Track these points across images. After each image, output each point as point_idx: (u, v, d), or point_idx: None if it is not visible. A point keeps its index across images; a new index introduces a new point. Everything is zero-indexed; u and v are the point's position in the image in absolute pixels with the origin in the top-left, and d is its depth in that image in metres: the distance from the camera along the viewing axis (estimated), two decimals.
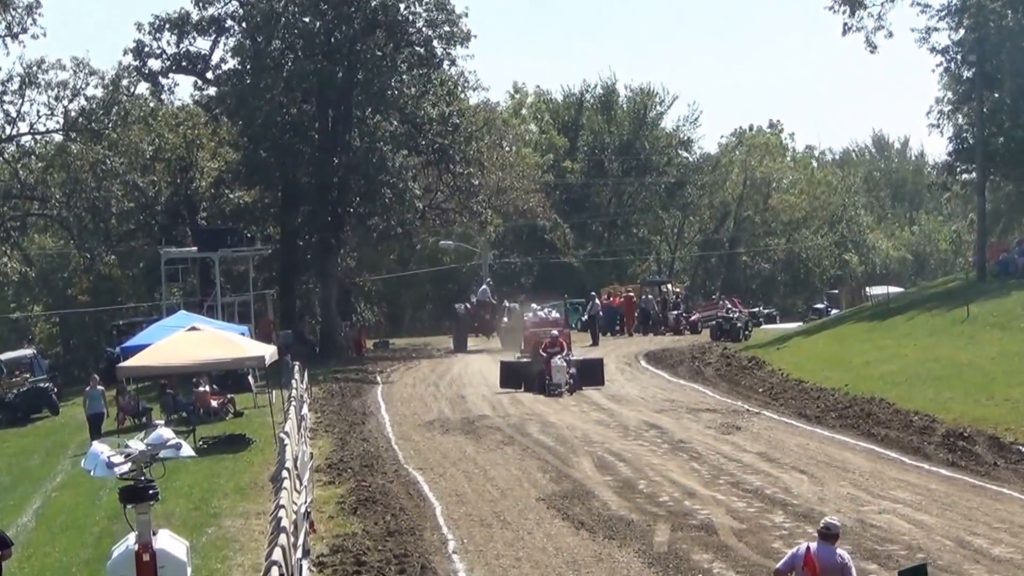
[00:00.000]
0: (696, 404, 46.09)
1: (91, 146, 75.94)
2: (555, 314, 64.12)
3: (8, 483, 41.64)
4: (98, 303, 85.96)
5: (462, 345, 70.17)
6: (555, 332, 53.51)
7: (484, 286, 72.98)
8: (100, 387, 45.95)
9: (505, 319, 69.89)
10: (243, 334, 54.15)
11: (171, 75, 78.19)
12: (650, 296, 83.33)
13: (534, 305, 65.14)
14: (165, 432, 24.37)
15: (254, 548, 27.88)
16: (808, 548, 16.92)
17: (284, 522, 24.71)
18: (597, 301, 78.45)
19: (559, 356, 50.89)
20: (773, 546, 25.76)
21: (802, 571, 16.88)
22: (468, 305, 71.25)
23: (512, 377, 51.98)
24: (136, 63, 76.77)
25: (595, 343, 70.57)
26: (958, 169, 77.31)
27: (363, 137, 73.50)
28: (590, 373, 51.97)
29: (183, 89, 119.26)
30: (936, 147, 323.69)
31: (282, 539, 23.18)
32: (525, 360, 53.87)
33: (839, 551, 17.03)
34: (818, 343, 63.70)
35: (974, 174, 73.01)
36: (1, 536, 26.69)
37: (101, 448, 24.11)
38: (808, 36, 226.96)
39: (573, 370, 51.28)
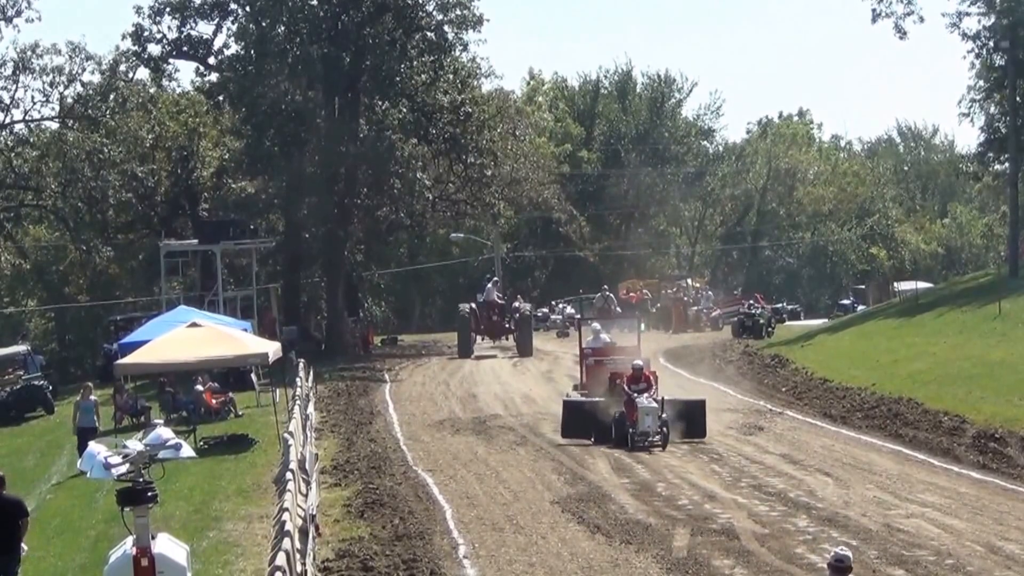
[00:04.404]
0: (717, 404, 45.94)
1: (88, 134, 76.07)
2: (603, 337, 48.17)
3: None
4: (95, 297, 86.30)
5: (467, 351, 66.62)
6: (638, 362, 40.33)
7: (490, 285, 72.14)
8: (93, 398, 43.71)
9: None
10: (246, 330, 54.28)
11: (172, 60, 78.87)
12: (669, 291, 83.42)
13: (595, 325, 49.42)
14: (164, 432, 24.44)
15: (257, 553, 27.93)
16: None
17: (288, 526, 24.79)
18: (610, 295, 78.49)
19: (646, 395, 38.50)
20: (796, 551, 25.78)
21: None
22: (473, 306, 68.97)
23: (578, 422, 39.94)
24: (135, 48, 77.01)
25: None
26: (990, 159, 77.36)
27: (371, 125, 73.61)
28: (689, 419, 39.83)
29: (184, 75, 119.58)
30: (967, 137, 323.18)
31: (286, 543, 23.25)
32: (597, 400, 40.60)
33: None
34: (844, 340, 63.75)
35: (1007, 164, 73.00)
36: (18, 503, 27.05)
37: (98, 448, 24.18)
38: (836, 22, 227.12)
39: (664, 415, 38.44)
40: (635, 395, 38.27)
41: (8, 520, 26.55)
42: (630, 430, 37.67)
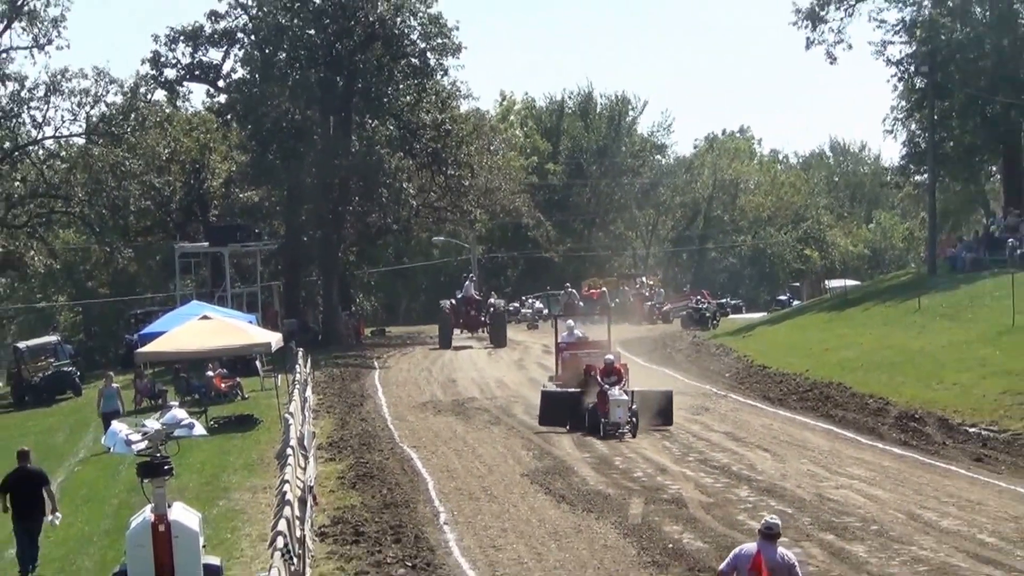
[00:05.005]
0: (668, 388, 46.10)
1: (111, 149, 75.80)
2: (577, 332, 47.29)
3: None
4: (117, 294, 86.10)
5: (447, 342, 66.18)
6: (610, 357, 39.04)
7: (468, 282, 72.20)
8: (115, 385, 43.92)
9: None
10: (251, 322, 54.04)
11: (185, 83, 78.82)
12: (626, 288, 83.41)
13: (570, 322, 48.52)
14: (179, 413, 24.41)
15: (261, 519, 27.91)
16: (758, 551, 16.16)
17: (289, 496, 24.75)
18: (574, 291, 78.48)
19: (618, 388, 37.10)
20: (738, 518, 25.84)
21: (747, 573, 16.14)
22: (453, 301, 69.30)
23: (554, 412, 38.64)
24: (153, 72, 77.08)
25: None
26: (911, 171, 77.59)
27: (362, 141, 73.47)
28: (657, 409, 38.59)
29: (196, 96, 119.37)
30: (891, 151, 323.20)
31: (287, 511, 23.22)
32: (572, 391, 39.27)
33: (781, 550, 16.41)
34: (780, 332, 63.79)
35: (925, 176, 73.16)
36: (40, 474, 27.13)
37: (120, 427, 24.14)
38: (775, 48, 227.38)
39: (634, 405, 37.26)
40: (607, 387, 37.03)
41: (33, 488, 26.69)
42: (603, 420, 36.53)
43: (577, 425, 37.88)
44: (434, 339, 68.03)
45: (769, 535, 16.23)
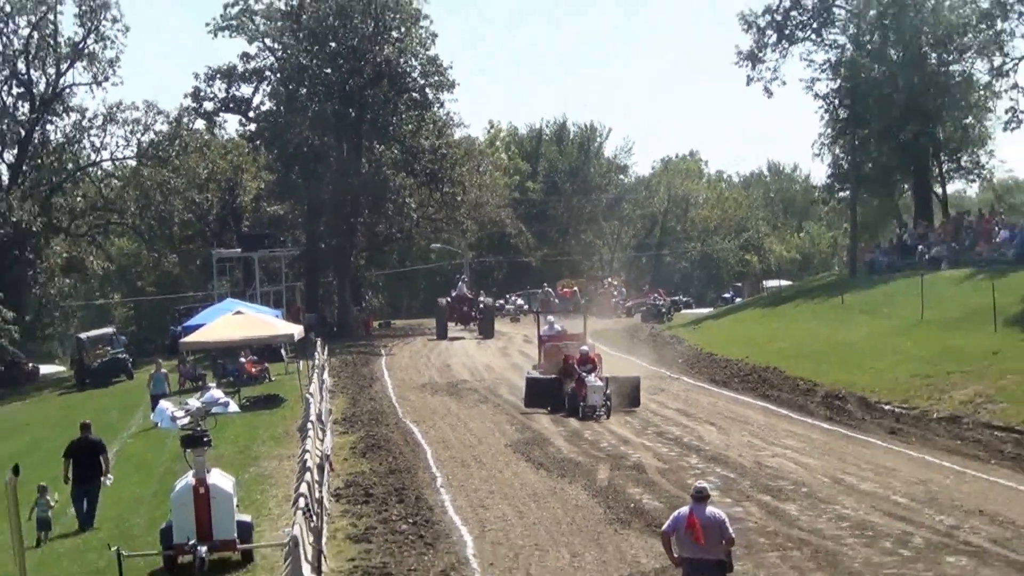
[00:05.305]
0: (631, 371, 46.07)
1: (158, 170, 75.94)
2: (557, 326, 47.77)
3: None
4: (163, 292, 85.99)
5: (443, 333, 65.55)
6: (585, 347, 38.50)
7: (460, 282, 72.02)
8: (163, 371, 44.22)
9: None
10: (277, 316, 54.12)
11: (221, 114, 78.70)
12: (593, 287, 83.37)
13: (550, 318, 48.36)
14: (216, 393, 24.45)
15: (285, 483, 27.86)
16: (690, 511, 15.98)
17: (309, 463, 24.68)
18: (550, 290, 78.39)
19: (593, 375, 36.52)
20: (688, 482, 25.68)
21: (685, 532, 15.96)
22: (448, 299, 68.56)
23: (539, 395, 38.02)
24: (194, 104, 77.15)
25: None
26: (835, 189, 77.72)
27: (370, 163, 73.49)
28: (627, 394, 37.78)
29: (230, 125, 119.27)
30: (818, 172, 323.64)
31: (308, 476, 23.15)
32: (553, 377, 38.57)
33: (711, 509, 16.17)
34: (724, 324, 63.77)
35: (848, 192, 73.33)
36: (99, 443, 27.25)
37: (166, 405, 24.15)
38: (720, 84, 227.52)
39: (609, 390, 36.55)
40: (584, 374, 36.54)
41: (92, 456, 26.76)
42: (580, 403, 35.91)
43: (558, 408, 37.12)
44: (432, 331, 67.83)
45: (699, 497, 16.11)
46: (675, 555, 16.20)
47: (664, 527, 16.63)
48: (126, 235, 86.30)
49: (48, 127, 76.79)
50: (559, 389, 37.66)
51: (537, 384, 38.72)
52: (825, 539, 21.33)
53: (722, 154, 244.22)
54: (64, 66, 75.49)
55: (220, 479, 22.87)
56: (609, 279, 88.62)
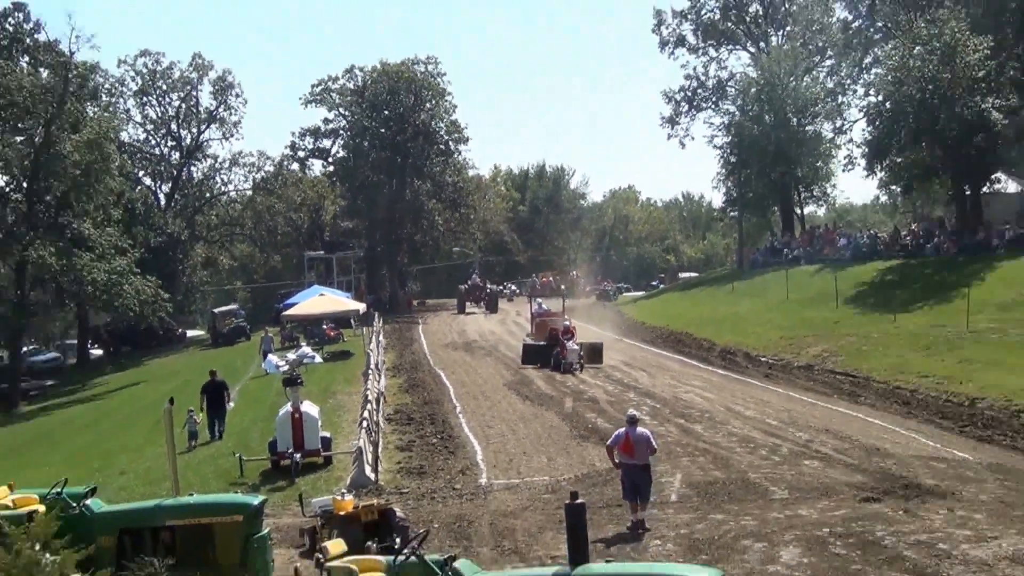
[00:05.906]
0: (590, 336, 46.19)
1: (267, 198, 75.82)
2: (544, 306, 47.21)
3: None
4: (270, 281, 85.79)
5: (462, 309, 64.04)
6: (566, 321, 38.25)
7: (474, 275, 71.95)
8: (270, 335, 44.28)
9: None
10: (348, 297, 54.14)
11: (310, 160, 79.15)
12: (562, 277, 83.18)
13: (539, 300, 48.65)
14: (307, 349, 24.51)
15: (354, 410, 27.87)
16: (625, 432, 15.90)
17: (370, 396, 24.69)
18: (535, 279, 78.29)
19: (572, 341, 35.95)
20: (627, 408, 25.95)
21: (622, 446, 15.80)
22: (465, 286, 67.26)
23: (532, 356, 37.27)
24: (290, 152, 77.75)
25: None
26: (728, 210, 78.06)
27: (411, 193, 73.34)
28: (594, 354, 36.90)
29: (316, 167, 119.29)
30: (717, 198, 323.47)
31: (368, 406, 23.17)
32: (542, 343, 37.64)
33: (640, 429, 16.12)
34: (654, 303, 63.93)
35: (736, 213, 73.62)
36: (224, 383, 27.50)
37: (272, 358, 24.17)
38: (651, 136, 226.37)
39: (582, 352, 35.99)
40: (565, 341, 35.60)
41: (219, 392, 26.95)
42: (562, 361, 34.90)
43: (544, 365, 36.18)
44: (454, 308, 67.77)
45: (632, 421, 16.16)
46: (616, 461, 16.22)
47: (608, 442, 16.67)
48: (245, 242, 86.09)
49: (192, 169, 76.85)
50: (547, 352, 36.54)
51: (531, 348, 37.90)
52: (721, 449, 21.39)
53: (651, 186, 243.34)
54: (203, 127, 75.55)
55: (309, 407, 22.88)
56: (575, 272, 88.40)
